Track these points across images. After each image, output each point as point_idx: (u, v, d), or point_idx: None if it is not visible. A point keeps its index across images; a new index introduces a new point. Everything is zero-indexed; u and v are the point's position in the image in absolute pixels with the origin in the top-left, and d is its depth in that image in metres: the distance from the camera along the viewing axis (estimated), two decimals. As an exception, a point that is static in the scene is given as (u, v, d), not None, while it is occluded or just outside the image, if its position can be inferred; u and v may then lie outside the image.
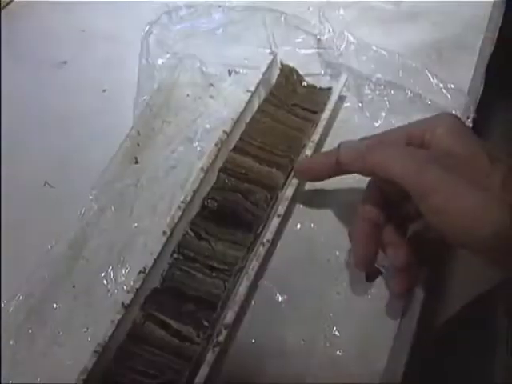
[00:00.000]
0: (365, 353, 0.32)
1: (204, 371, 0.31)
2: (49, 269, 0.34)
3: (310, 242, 0.36)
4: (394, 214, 0.33)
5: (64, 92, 0.44)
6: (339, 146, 0.33)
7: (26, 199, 0.38)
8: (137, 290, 0.33)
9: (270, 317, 0.34)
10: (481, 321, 0.44)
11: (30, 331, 0.33)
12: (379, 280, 0.35)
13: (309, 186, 0.38)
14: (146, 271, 0.33)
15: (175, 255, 0.35)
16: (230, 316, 0.32)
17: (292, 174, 0.37)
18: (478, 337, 0.44)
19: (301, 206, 0.37)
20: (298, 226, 0.37)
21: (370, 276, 0.35)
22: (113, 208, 0.37)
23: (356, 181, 0.35)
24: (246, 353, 0.33)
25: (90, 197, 0.37)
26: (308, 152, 0.38)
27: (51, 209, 0.38)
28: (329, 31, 0.43)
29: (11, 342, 0.33)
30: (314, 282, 0.35)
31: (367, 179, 0.34)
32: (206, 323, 0.32)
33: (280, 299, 0.34)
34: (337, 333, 0.33)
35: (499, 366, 0.42)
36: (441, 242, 0.32)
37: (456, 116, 0.31)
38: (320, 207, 0.38)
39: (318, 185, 0.37)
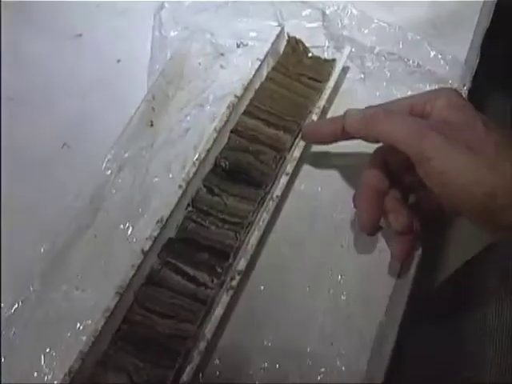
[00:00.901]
0: (366, 299, 0.35)
1: (218, 313, 0.33)
2: (71, 220, 0.37)
3: (316, 199, 0.38)
4: (396, 183, 0.35)
5: (80, 62, 0.46)
6: (345, 113, 0.35)
7: (48, 159, 0.41)
8: (155, 238, 0.35)
9: (277, 266, 0.36)
10: (473, 282, 0.46)
11: (53, 277, 0.35)
12: (380, 236, 0.37)
13: (315, 148, 0.40)
14: (163, 221, 0.36)
15: (189, 209, 0.37)
16: (242, 263, 0.34)
17: (299, 136, 0.40)
18: (470, 297, 0.46)
19: (308, 166, 0.40)
20: (305, 184, 0.39)
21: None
22: (130, 166, 0.39)
23: (360, 146, 0.37)
24: (255, 298, 0.35)
25: (109, 156, 0.39)
26: (314, 117, 0.40)
27: (71, 168, 0.40)
28: (333, 5, 0.45)
29: (36, 287, 0.35)
30: (319, 235, 0.37)
31: (371, 145, 0.36)
32: (219, 270, 0.35)
33: (287, 250, 0.37)
34: (340, 280, 0.36)
35: (490, 324, 0.44)
36: (439, 210, 0.35)
37: (456, 90, 0.33)
38: (326, 168, 0.40)
39: (324, 147, 0.40)
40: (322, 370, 0.33)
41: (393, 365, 0.33)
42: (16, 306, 0.34)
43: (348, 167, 0.40)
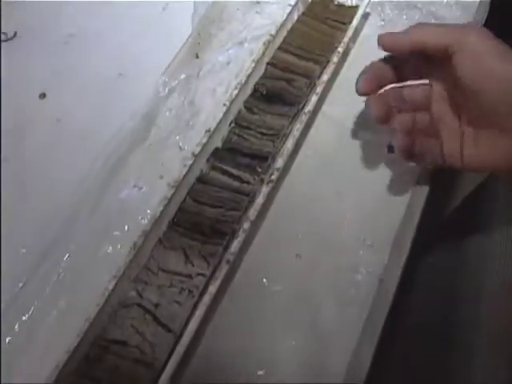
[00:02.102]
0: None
1: (259, 201, 0.38)
2: (128, 135, 0.42)
3: (343, 119, 0.44)
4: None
5: (132, 7, 0.52)
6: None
7: (104, 87, 0.46)
8: (204, 144, 0.41)
9: (308, 173, 0.42)
10: (480, 207, 0.51)
11: (113, 178, 0.41)
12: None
13: (342, 74, 0.46)
14: (211, 131, 0.41)
15: (232, 125, 0.43)
16: (279, 162, 0.40)
17: (327, 66, 0.45)
18: (477, 222, 0.51)
19: (335, 90, 0.45)
20: (332, 106, 0.44)
21: (390, 148, 0.43)
22: (179, 90, 0.45)
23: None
24: (290, 201, 0.41)
25: (160, 81, 0.45)
26: (340, 50, 0.46)
27: (126, 94, 0.46)
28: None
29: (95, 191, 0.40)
30: (345, 149, 0.43)
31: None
32: (259, 169, 0.40)
33: (318, 161, 0.42)
34: (362, 186, 0.41)
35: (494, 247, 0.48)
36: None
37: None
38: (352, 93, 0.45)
39: (349, 74, 0.45)
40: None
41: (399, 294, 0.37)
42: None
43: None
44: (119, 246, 0.37)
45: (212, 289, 0.35)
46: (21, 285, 0.37)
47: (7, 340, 0.35)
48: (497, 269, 0.45)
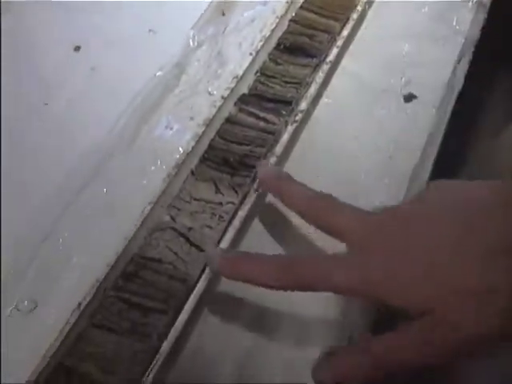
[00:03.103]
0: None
1: (284, 140, 0.41)
2: (158, 83, 0.45)
3: (360, 72, 0.47)
4: None
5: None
6: None
7: (135, 42, 0.49)
8: (232, 88, 0.43)
9: (329, 116, 0.44)
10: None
11: (146, 121, 0.44)
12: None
13: (362, 31, 0.49)
14: (238, 77, 0.44)
15: (258, 74, 0.46)
16: (303, 105, 0.43)
17: (347, 23, 0.48)
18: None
19: (354, 45, 0.48)
20: (351, 60, 0.47)
21: (406, 98, 0.46)
22: (208, 43, 0.47)
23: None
24: (312, 144, 0.43)
25: (190, 34, 0.47)
26: (359, 8, 0.49)
27: (156, 47, 0.49)
28: None
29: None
30: (363, 100, 0.45)
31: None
32: (284, 112, 0.43)
33: (338, 108, 0.45)
34: (382, 132, 0.43)
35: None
36: None
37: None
38: (370, 47, 0.48)
39: (368, 31, 0.48)
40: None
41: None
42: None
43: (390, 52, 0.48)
44: (154, 178, 0.40)
45: (241, 214, 0.38)
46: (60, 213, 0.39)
47: (48, 257, 0.37)
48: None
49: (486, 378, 0.39)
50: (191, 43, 0.48)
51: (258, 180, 0.39)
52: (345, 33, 0.47)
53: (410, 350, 0.28)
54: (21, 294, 0.35)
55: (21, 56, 0.48)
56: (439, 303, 0.27)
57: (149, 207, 0.38)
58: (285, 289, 0.32)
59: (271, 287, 0.32)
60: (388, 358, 0.28)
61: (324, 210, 0.34)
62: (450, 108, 0.44)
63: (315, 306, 0.35)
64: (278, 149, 0.40)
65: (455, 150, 0.48)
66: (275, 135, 0.42)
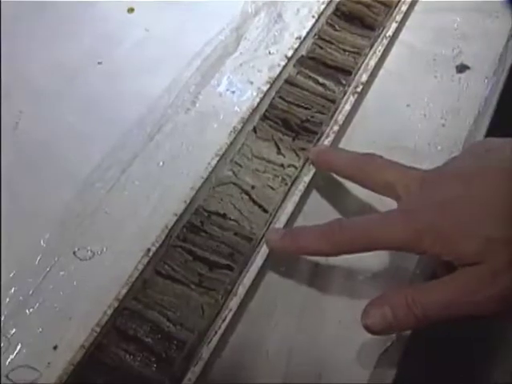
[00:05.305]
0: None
1: (346, 109, 0.42)
2: (216, 48, 0.44)
3: (416, 45, 0.47)
4: None
5: None
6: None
7: (191, 7, 0.48)
8: (295, 49, 0.43)
9: (384, 87, 0.45)
10: None
11: (207, 82, 0.43)
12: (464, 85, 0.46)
13: (418, 7, 0.49)
14: (300, 38, 0.44)
15: (316, 37, 0.45)
16: (364, 77, 0.43)
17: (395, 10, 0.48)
18: None
19: (411, 20, 0.49)
20: (408, 34, 0.48)
21: (459, 68, 0.47)
22: (265, 10, 0.47)
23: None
24: (370, 113, 0.44)
25: (247, 1, 0.47)
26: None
27: (213, 12, 0.47)
28: None
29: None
30: (418, 70, 0.46)
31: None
32: (344, 82, 0.43)
33: (394, 77, 0.45)
34: (429, 103, 0.45)
35: None
36: None
37: None
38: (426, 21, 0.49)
39: (426, 6, 0.48)
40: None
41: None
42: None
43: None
44: (219, 132, 0.39)
45: (306, 178, 0.38)
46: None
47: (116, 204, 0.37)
48: None
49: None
50: (248, 9, 0.47)
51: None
52: (403, 8, 0.47)
53: (461, 299, 0.28)
54: (87, 238, 0.35)
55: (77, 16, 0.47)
56: (490, 255, 0.27)
57: (216, 159, 0.38)
58: (339, 253, 0.32)
59: (326, 254, 0.33)
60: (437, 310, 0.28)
61: (373, 168, 0.34)
62: (502, 79, 0.46)
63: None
64: (340, 118, 0.41)
65: (507, 121, 0.50)
66: (336, 103, 0.42)
